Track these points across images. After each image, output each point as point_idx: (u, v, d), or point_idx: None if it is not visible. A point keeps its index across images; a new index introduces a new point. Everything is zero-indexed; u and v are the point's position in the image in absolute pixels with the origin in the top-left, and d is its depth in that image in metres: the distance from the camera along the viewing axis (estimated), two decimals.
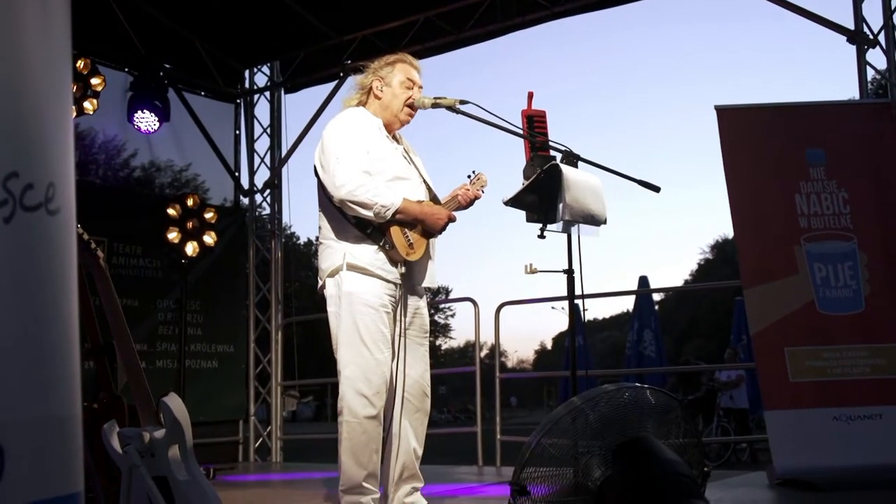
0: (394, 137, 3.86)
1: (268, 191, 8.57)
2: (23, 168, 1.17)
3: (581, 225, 3.39)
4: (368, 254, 3.60)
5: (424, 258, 3.77)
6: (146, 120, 7.38)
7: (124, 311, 3.23)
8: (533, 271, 3.62)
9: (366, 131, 3.70)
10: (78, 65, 6.70)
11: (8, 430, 1.11)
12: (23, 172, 1.16)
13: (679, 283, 46.52)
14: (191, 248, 7.14)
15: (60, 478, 1.19)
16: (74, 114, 6.00)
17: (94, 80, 6.83)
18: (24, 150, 1.18)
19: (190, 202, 7.22)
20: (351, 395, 3.54)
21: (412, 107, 3.81)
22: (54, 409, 1.19)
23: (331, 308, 3.67)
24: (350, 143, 3.62)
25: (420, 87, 3.87)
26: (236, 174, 8.56)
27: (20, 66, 1.19)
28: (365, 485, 3.54)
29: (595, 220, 3.41)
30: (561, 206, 3.26)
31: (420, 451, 3.77)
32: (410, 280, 3.73)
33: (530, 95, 3.67)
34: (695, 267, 50.06)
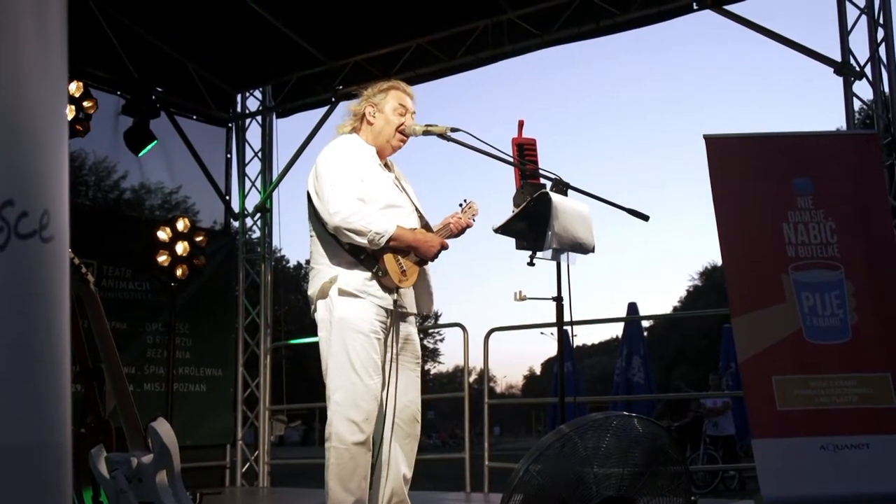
0: (386, 165, 3.88)
1: (258, 215, 8.57)
2: (18, 196, 1.18)
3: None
4: (360, 280, 3.60)
5: (417, 285, 3.78)
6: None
7: (112, 334, 3.23)
8: (522, 298, 3.64)
9: (359, 159, 3.72)
10: (70, 88, 6.70)
11: None
12: (18, 200, 1.17)
13: (668, 309, 46.74)
14: (180, 271, 7.13)
15: None
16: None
17: (87, 104, 6.82)
18: (20, 178, 1.19)
19: (180, 225, 7.21)
20: (340, 421, 3.53)
21: (404, 133, 3.83)
22: (45, 435, 1.19)
23: (322, 333, 3.66)
24: (344, 171, 3.63)
25: (413, 114, 3.89)
26: (227, 198, 8.56)
27: (17, 94, 1.20)
28: None
29: (583, 249, 3.43)
30: (550, 234, 3.28)
31: (410, 477, 3.76)
32: (402, 307, 3.73)
33: (521, 123, 3.70)
34: (684, 294, 50.25)
